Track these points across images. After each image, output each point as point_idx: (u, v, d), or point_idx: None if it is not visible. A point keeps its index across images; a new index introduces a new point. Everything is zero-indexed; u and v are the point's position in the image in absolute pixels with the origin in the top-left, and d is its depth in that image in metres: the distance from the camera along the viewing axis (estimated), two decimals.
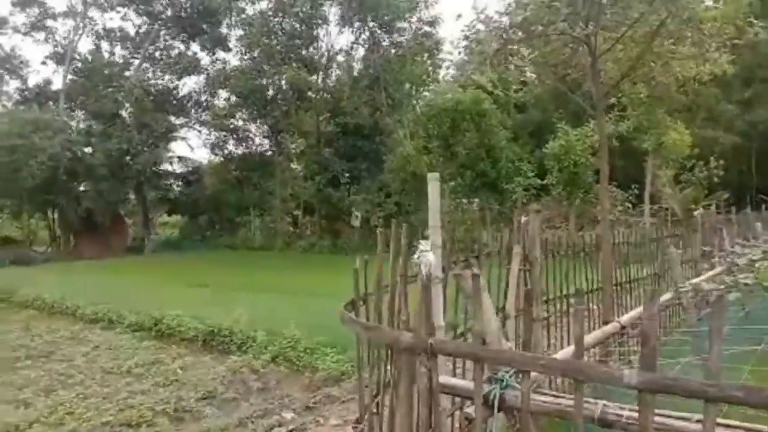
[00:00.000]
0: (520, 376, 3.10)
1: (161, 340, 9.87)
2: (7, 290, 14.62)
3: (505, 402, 2.87)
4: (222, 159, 33.79)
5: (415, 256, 2.90)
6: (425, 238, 3.34)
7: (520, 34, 4.79)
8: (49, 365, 8.56)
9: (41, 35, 32.43)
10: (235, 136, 32.71)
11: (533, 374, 2.80)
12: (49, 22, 32.43)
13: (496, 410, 2.80)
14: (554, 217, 21.08)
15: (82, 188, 28.99)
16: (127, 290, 14.39)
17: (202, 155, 34.71)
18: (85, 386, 7.48)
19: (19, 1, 31.24)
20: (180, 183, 33.63)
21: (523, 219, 5.11)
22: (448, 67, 31.38)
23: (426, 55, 28.73)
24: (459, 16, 5.31)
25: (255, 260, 23.03)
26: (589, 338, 5.07)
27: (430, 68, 29.66)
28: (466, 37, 4.91)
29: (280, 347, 8.44)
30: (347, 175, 27.00)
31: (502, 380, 2.95)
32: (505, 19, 5.04)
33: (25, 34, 32.24)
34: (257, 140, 33.01)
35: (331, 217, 28.03)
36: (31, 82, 33.02)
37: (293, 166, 33.94)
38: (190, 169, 34.12)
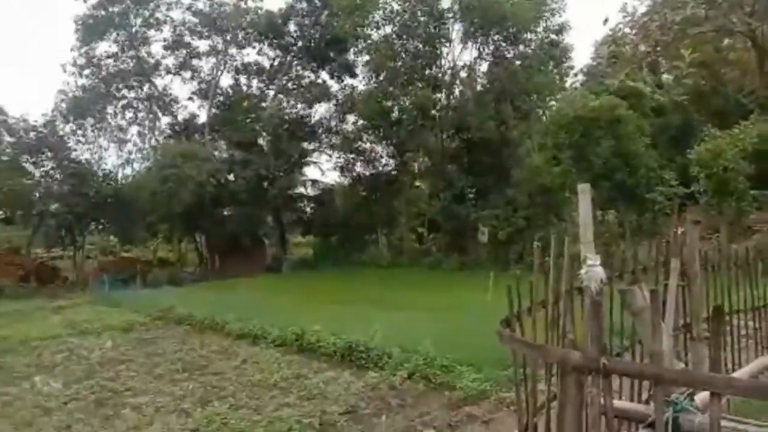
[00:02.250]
0: (694, 398, 2.85)
1: (303, 354, 10.27)
2: (164, 308, 15.99)
3: (681, 427, 2.65)
4: (350, 180, 34.94)
5: (583, 270, 2.75)
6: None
7: (671, 35, 4.43)
8: (204, 378, 9.19)
9: (188, 74, 35.68)
10: (362, 157, 33.70)
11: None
12: (195, 62, 35.64)
13: None
14: (703, 228, 19.39)
15: (225, 212, 31.21)
16: (269, 307, 15.19)
17: (333, 177, 36.04)
18: (236, 398, 7.95)
19: (169, 44, 34.61)
20: (312, 205, 35.24)
21: (680, 230, 4.73)
22: (576, 74, 30.30)
23: (552, 63, 27.88)
24: (606, 20, 5.06)
25: (384, 277, 23.42)
26: (765, 359, 4.58)
27: (557, 77, 28.73)
28: (614, 42, 4.65)
29: (416, 364, 8.45)
30: (473, 190, 26.71)
31: (677, 403, 2.74)
32: (652, 21, 4.70)
33: (174, 74, 35.59)
34: (383, 160, 33.75)
35: (456, 233, 27.84)
36: (180, 117, 36.27)
37: (418, 183, 34.35)
38: (322, 191, 35.66)
